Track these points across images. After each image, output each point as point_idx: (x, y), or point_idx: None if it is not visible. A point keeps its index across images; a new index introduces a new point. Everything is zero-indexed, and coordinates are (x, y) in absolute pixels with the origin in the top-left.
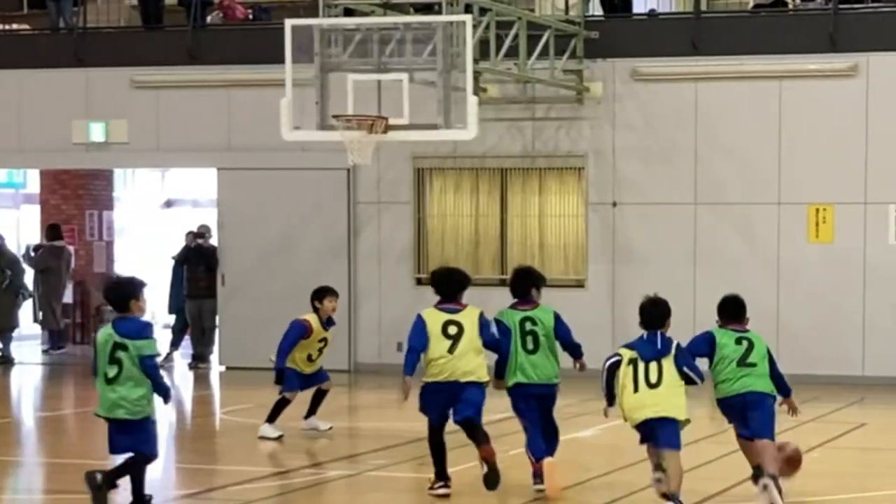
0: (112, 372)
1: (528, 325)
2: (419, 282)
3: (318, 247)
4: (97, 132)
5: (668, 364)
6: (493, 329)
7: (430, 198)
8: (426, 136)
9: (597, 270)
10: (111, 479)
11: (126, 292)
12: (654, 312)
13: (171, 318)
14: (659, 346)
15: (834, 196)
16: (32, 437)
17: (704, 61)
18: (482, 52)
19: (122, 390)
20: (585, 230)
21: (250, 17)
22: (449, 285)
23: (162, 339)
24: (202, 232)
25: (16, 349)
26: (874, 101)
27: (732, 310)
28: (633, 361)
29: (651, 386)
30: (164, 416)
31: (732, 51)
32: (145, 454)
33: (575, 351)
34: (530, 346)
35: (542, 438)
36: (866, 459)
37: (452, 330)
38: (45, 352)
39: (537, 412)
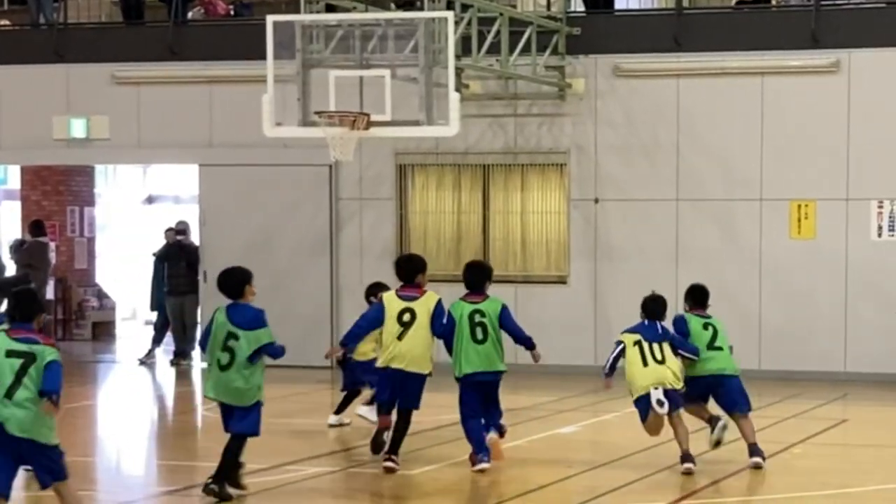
0: (224, 359)
1: (478, 317)
2: None
3: (300, 243)
4: (78, 128)
5: (668, 346)
6: (444, 320)
7: (412, 194)
8: (408, 133)
9: (579, 267)
10: (222, 477)
11: (240, 279)
12: (657, 306)
13: (153, 315)
14: (660, 331)
15: (816, 192)
16: None
17: (686, 58)
18: (464, 48)
19: (235, 378)
20: (567, 227)
21: (231, 12)
22: (406, 269)
23: (143, 335)
24: (182, 228)
25: None
26: (856, 97)
27: (699, 296)
28: (637, 343)
29: (658, 362)
30: (146, 414)
31: (714, 47)
32: (252, 435)
33: (526, 343)
34: (479, 336)
35: (482, 427)
36: (848, 455)
37: (406, 317)
38: None
39: (481, 401)
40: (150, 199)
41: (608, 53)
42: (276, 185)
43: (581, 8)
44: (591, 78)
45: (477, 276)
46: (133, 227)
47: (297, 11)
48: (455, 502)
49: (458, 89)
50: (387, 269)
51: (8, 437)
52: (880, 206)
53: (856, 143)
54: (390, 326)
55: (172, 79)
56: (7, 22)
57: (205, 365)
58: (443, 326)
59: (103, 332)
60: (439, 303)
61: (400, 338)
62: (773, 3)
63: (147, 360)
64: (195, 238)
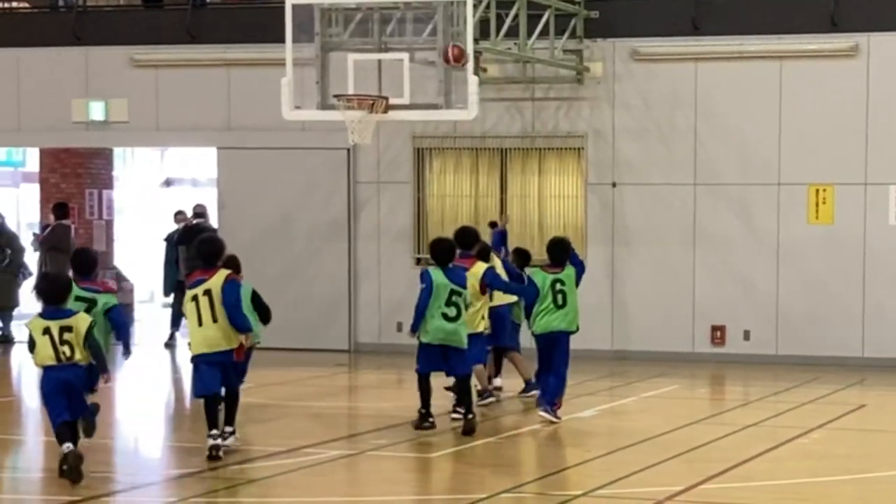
0: (452, 312)
1: (558, 286)
2: (419, 261)
3: (317, 226)
4: (97, 111)
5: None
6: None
7: (429, 178)
8: (426, 116)
9: (596, 251)
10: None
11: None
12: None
13: (170, 299)
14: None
15: (834, 177)
16: (34, 416)
17: (704, 41)
18: (482, 31)
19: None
20: (584, 211)
21: None
22: (463, 242)
23: (162, 319)
24: (200, 211)
25: (16, 328)
26: (875, 81)
27: (556, 254)
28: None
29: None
30: (164, 396)
31: (732, 31)
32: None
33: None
34: (559, 301)
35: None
36: (866, 440)
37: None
38: None
39: (552, 356)
40: (168, 182)
41: (626, 37)
42: (295, 168)
43: None
44: (609, 62)
45: (559, 251)
46: (151, 210)
47: None
48: (474, 485)
49: (476, 73)
50: (403, 252)
51: None
52: None
53: (874, 128)
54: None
55: (191, 62)
56: (26, 4)
57: None
58: (512, 285)
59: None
60: (490, 269)
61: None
62: None
63: (171, 343)
64: (213, 221)
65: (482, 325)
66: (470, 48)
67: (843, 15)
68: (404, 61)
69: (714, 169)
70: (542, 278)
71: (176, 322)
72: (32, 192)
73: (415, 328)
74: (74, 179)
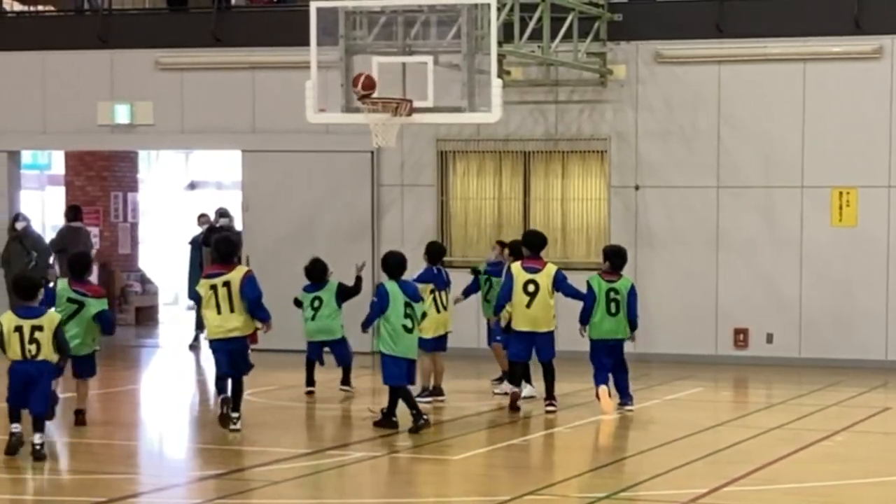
0: (409, 324)
1: (612, 294)
2: (442, 264)
3: (341, 229)
4: (122, 114)
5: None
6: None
7: (453, 180)
8: (450, 119)
9: None
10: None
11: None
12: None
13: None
14: (446, 278)
15: (857, 179)
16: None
17: (728, 44)
18: (506, 34)
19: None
20: (608, 213)
21: None
22: (534, 244)
23: (187, 320)
24: (225, 213)
25: None
26: None
27: (616, 262)
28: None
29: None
30: (189, 398)
31: (756, 33)
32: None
33: (633, 322)
34: (613, 310)
35: (605, 377)
36: (890, 443)
37: (531, 287)
38: None
39: (610, 361)
40: (192, 185)
41: (649, 40)
42: (319, 171)
43: None
44: (633, 64)
45: (621, 260)
46: (175, 213)
47: None
48: (498, 487)
49: (499, 76)
50: None
51: None
52: None
53: None
54: (518, 296)
55: (216, 65)
56: (52, 8)
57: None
58: (579, 292)
59: (146, 316)
60: (558, 272)
61: (528, 305)
62: None
63: (195, 345)
64: (237, 224)
65: (433, 330)
66: (493, 51)
67: (866, 17)
68: (428, 64)
69: (737, 171)
70: (598, 285)
71: (200, 324)
72: (58, 194)
73: (365, 329)
74: (99, 182)
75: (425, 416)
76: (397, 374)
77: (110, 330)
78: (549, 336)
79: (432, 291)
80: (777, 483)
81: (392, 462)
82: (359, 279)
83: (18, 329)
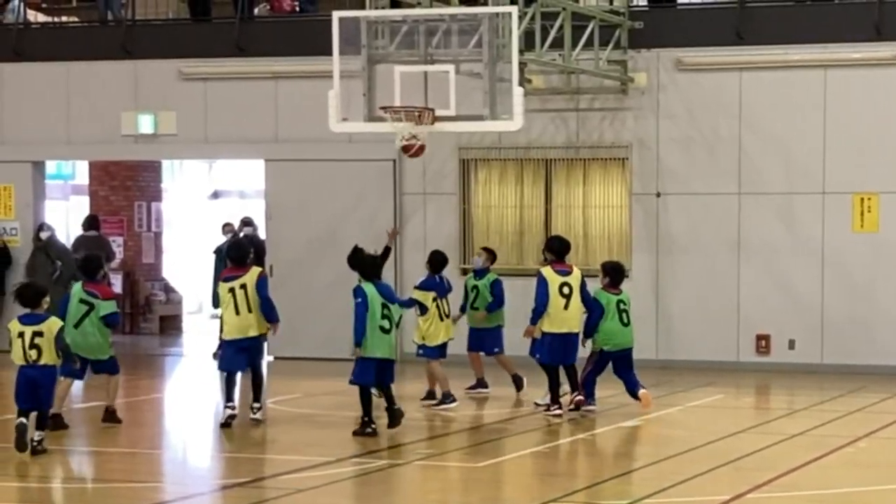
0: (387, 325)
1: (622, 306)
2: (465, 272)
3: (364, 237)
4: (146, 124)
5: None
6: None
7: (475, 188)
8: (472, 128)
9: (640, 260)
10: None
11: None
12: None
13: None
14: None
15: (879, 185)
16: (84, 428)
17: (749, 51)
18: (527, 42)
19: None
20: (629, 220)
21: (297, 8)
22: (559, 249)
23: (211, 329)
24: (249, 222)
25: None
26: None
27: (616, 277)
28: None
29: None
30: (213, 406)
31: (777, 40)
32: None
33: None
34: (625, 320)
35: (595, 384)
36: None
37: (566, 290)
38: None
39: (615, 368)
40: (215, 194)
41: (670, 47)
42: (341, 179)
43: (643, 2)
44: (654, 72)
45: (619, 274)
46: (199, 222)
47: (363, 7)
48: (519, 495)
49: (521, 84)
50: (450, 263)
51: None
52: None
53: None
54: (555, 298)
55: (239, 74)
56: (76, 18)
57: (271, 358)
58: (593, 302)
59: (170, 325)
60: (583, 277)
61: (566, 307)
62: None
63: (219, 353)
64: (261, 233)
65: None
66: (515, 60)
67: (887, 23)
68: (450, 73)
69: (758, 178)
70: (606, 299)
71: None
72: (82, 204)
73: (359, 342)
74: (123, 192)
75: (373, 426)
76: (364, 373)
77: (112, 324)
78: (578, 338)
79: (434, 300)
80: (799, 490)
81: (415, 470)
82: (388, 248)
83: (21, 335)
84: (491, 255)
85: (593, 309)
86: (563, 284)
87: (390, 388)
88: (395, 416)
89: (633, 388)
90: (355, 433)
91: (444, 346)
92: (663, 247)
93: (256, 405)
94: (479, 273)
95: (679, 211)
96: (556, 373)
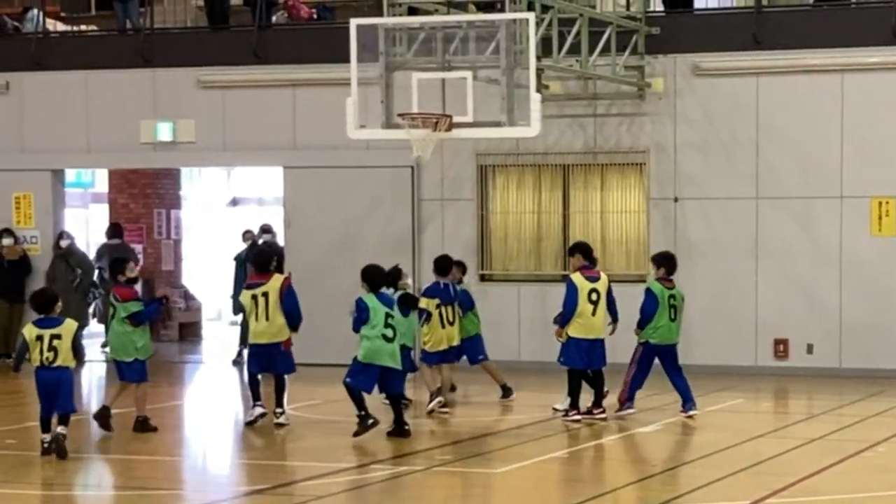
0: (390, 333)
1: (672, 301)
2: (483, 278)
3: (382, 243)
4: (164, 132)
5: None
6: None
7: (493, 194)
8: (490, 134)
9: None
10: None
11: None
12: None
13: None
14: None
15: None
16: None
17: (766, 56)
18: (544, 49)
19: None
20: (647, 225)
21: (315, 16)
22: (589, 252)
23: (231, 336)
24: (268, 229)
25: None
26: None
27: (671, 267)
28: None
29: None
30: (233, 413)
31: (794, 45)
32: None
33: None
34: (673, 315)
35: (641, 385)
36: None
37: (594, 296)
38: (102, 347)
39: (663, 365)
40: (234, 202)
41: (687, 52)
42: (359, 186)
43: (660, 7)
44: (671, 77)
45: (674, 264)
46: (218, 229)
47: (380, 14)
48: (541, 500)
49: (538, 90)
50: (468, 270)
51: None
52: None
53: None
54: (584, 304)
55: (257, 82)
56: (95, 27)
57: None
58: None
59: (190, 332)
60: (610, 283)
61: (594, 314)
62: None
63: (239, 360)
64: (279, 239)
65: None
66: (532, 66)
67: None
68: (467, 79)
69: (776, 182)
70: (661, 291)
71: (244, 340)
72: (102, 212)
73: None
74: (143, 199)
75: (373, 418)
76: (361, 377)
77: (136, 322)
78: (604, 344)
79: (438, 306)
80: (819, 494)
81: (436, 476)
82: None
83: (39, 338)
84: (461, 268)
85: (645, 302)
86: (591, 290)
87: (399, 400)
88: (400, 433)
89: (684, 403)
90: (356, 434)
91: (446, 352)
92: (681, 251)
93: (279, 410)
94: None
95: (697, 216)
96: (579, 378)
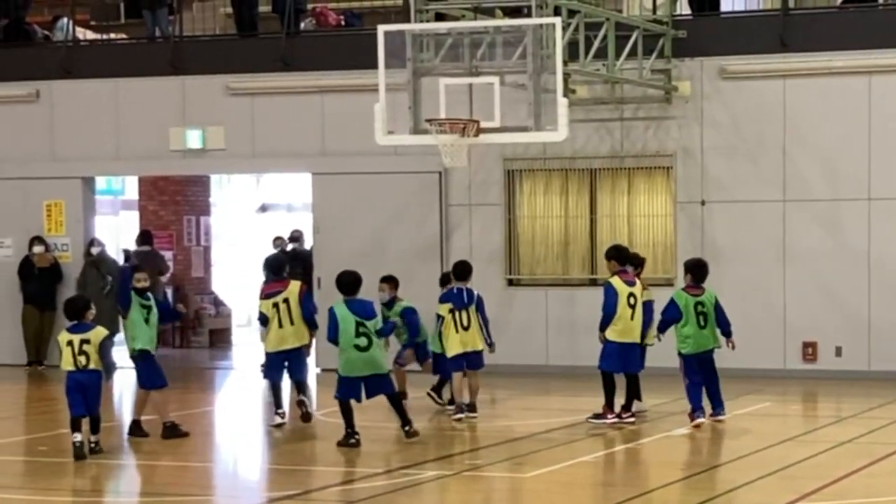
0: (363, 342)
1: (699, 308)
2: (510, 283)
3: (410, 249)
4: (194, 139)
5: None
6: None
7: (520, 199)
8: (517, 139)
9: None
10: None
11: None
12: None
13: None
14: (465, 299)
15: None
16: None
17: (792, 58)
18: (571, 53)
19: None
20: (674, 229)
21: (342, 23)
22: (625, 257)
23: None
24: (297, 236)
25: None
26: None
27: (699, 275)
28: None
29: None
30: (263, 419)
31: (820, 47)
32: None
33: (726, 329)
34: (702, 322)
35: (700, 392)
36: None
37: (632, 300)
38: None
39: (702, 372)
40: (263, 208)
41: (714, 56)
42: (388, 192)
43: (687, 11)
44: (697, 80)
45: (703, 272)
46: (247, 236)
47: (407, 21)
48: None
49: (565, 94)
50: (496, 273)
51: None
52: None
53: None
54: (623, 308)
55: (285, 89)
56: (124, 35)
57: (319, 370)
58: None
59: (220, 339)
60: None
61: (632, 318)
62: (880, 1)
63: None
64: (308, 245)
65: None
66: (559, 70)
67: None
68: (495, 85)
69: (803, 185)
70: (684, 301)
71: None
72: (132, 219)
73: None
74: (172, 206)
75: (356, 437)
76: (345, 390)
77: (165, 319)
78: (640, 349)
79: (451, 311)
80: (849, 498)
81: (465, 480)
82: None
83: (70, 343)
84: (392, 283)
85: (665, 308)
86: (629, 295)
87: (397, 401)
88: (408, 435)
89: (714, 407)
90: (339, 444)
91: (462, 357)
92: (708, 255)
93: (303, 397)
94: (388, 305)
95: (724, 219)
96: (613, 381)
